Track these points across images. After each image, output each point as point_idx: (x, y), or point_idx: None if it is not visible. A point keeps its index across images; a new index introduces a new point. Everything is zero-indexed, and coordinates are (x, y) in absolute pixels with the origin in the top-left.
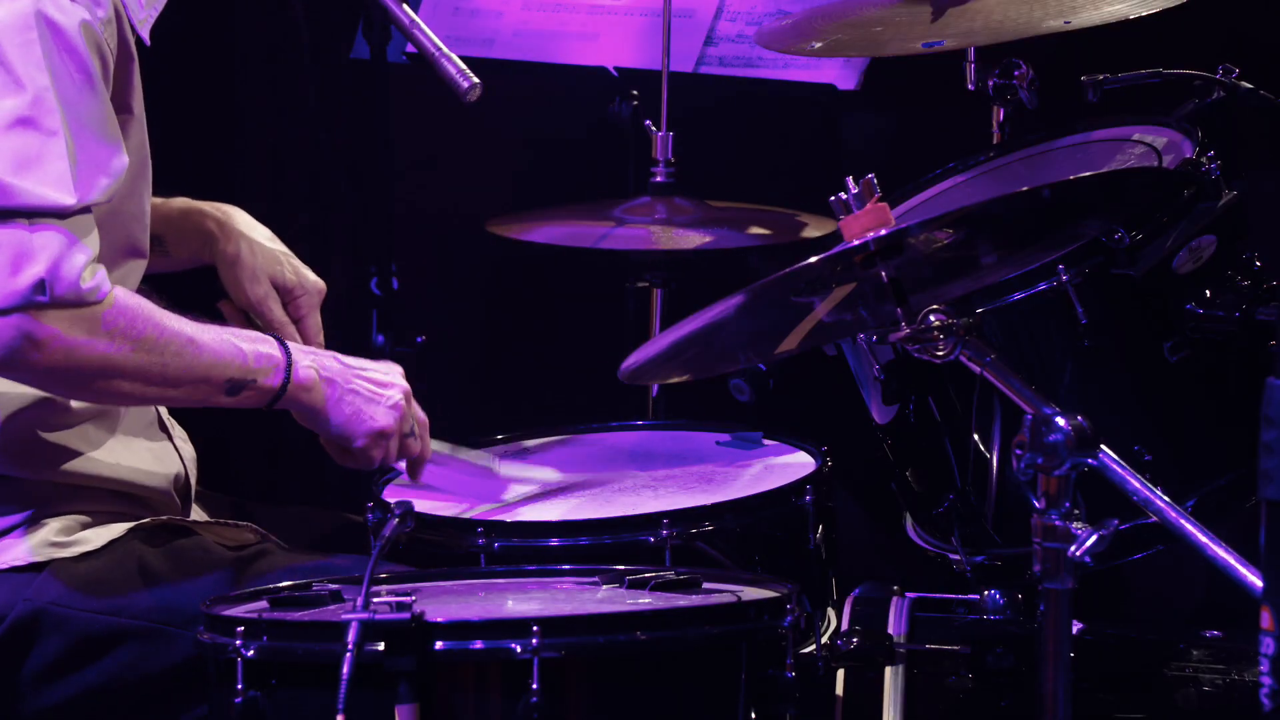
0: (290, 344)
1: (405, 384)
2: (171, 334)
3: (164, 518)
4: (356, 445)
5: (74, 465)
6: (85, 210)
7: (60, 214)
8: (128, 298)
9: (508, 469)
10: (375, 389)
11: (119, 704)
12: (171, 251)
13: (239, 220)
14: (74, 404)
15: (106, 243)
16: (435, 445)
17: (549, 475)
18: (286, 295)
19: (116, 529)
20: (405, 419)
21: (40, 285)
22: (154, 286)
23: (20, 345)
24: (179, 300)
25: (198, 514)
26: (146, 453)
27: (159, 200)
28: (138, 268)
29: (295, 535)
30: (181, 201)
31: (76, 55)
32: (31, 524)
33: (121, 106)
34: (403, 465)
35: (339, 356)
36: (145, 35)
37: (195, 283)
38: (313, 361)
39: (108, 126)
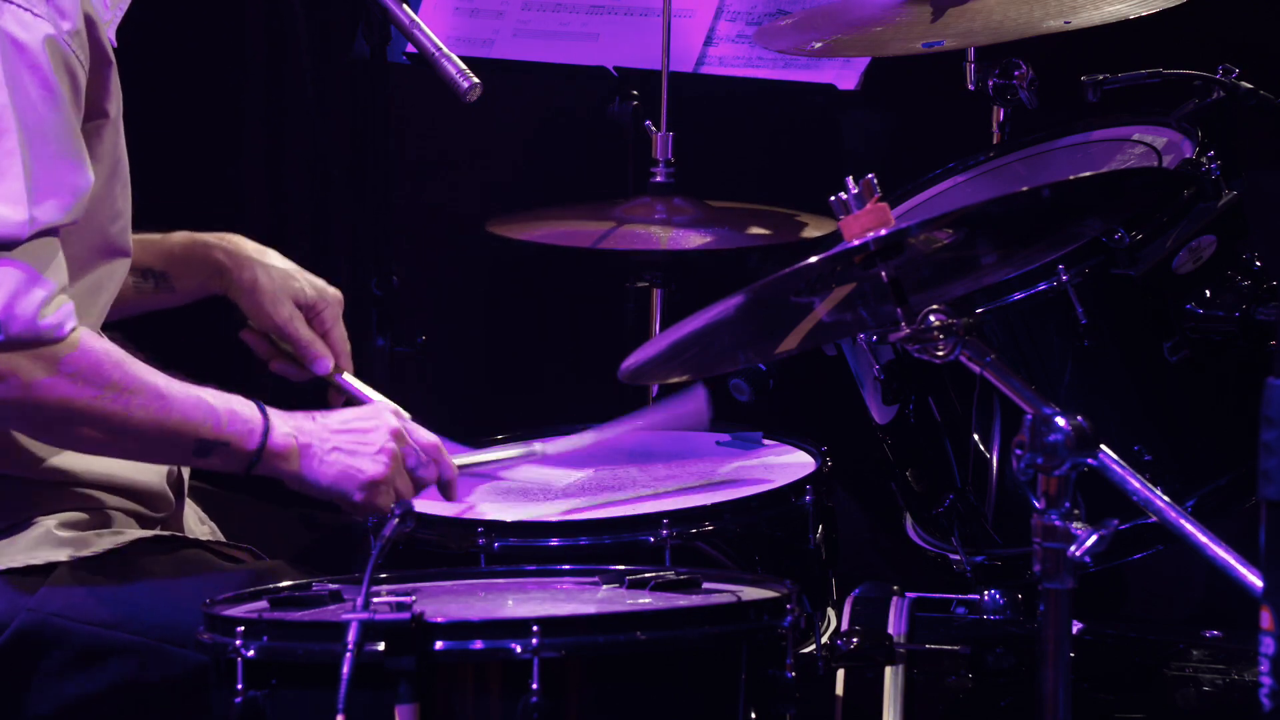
0: (271, 410)
1: (394, 422)
2: (139, 384)
3: (166, 533)
4: (356, 499)
5: (66, 463)
6: (46, 234)
7: (12, 243)
8: (94, 341)
9: (552, 448)
10: (357, 441)
11: (117, 718)
12: (177, 287)
13: (248, 247)
14: None
15: (76, 247)
16: (463, 459)
17: (588, 440)
18: (309, 311)
19: (117, 537)
20: (399, 458)
21: None
22: (164, 318)
23: None
24: (193, 334)
25: (193, 511)
26: None
27: (158, 236)
28: (120, 267)
29: (291, 537)
30: (182, 235)
31: (39, 72)
32: (26, 524)
33: (96, 112)
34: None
35: (318, 415)
36: (111, 37)
37: (204, 315)
38: (292, 428)
39: (71, 144)
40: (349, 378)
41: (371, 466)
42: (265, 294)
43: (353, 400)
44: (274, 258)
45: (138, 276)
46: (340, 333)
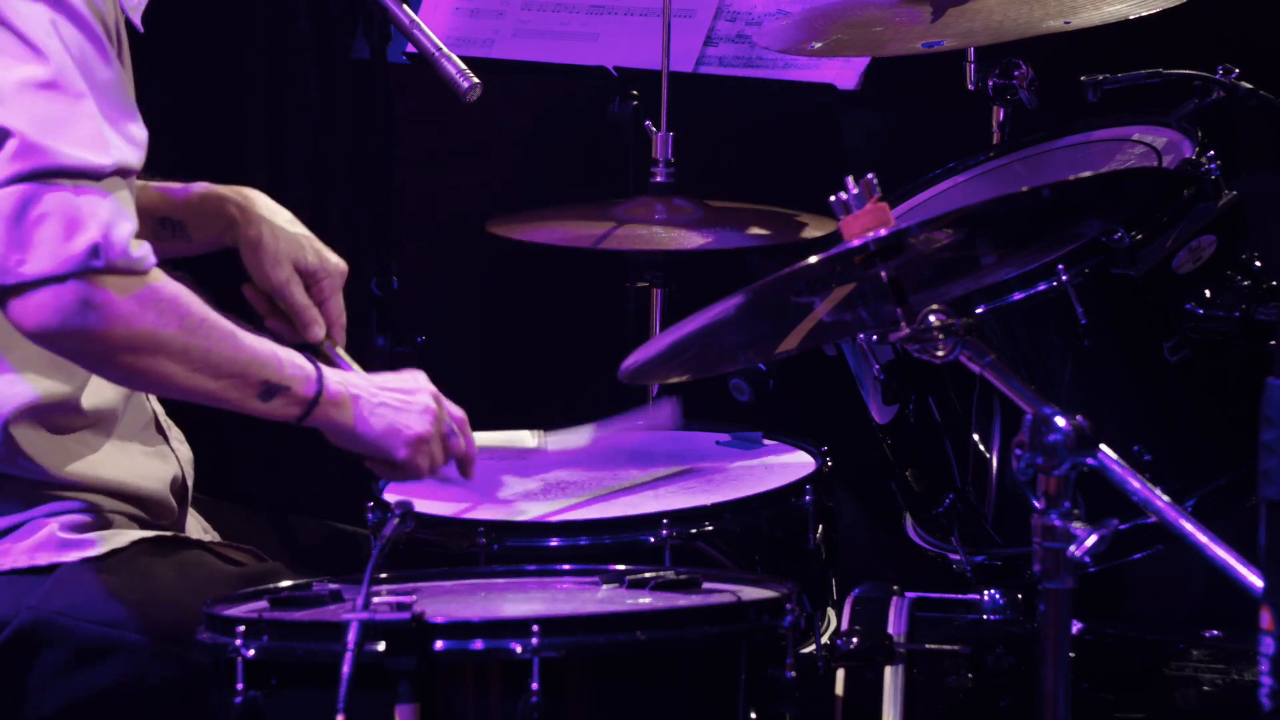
0: (317, 361)
1: (431, 386)
2: (214, 321)
3: (169, 534)
4: (400, 457)
5: (71, 468)
6: (120, 175)
7: (97, 175)
8: (168, 280)
9: (553, 441)
10: (403, 397)
11: (117, 718)
12: (192, 236)
13: (260, 204)
14: (73, 407)
15: None
16: (478, 438)
17: (587, 437)
18: (309, 278)
19: (120, 538)
20: (439, 421)
21: (95, 250)
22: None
23: (79, 310)
24: (201, 284)
25: (195, 519)
26: (142, 457)
27: (178, 185)
28: None
29: (293, 546)
30: (201, 186)
31: (86, 25)
32: (30, 526)
33: None
34: (453, 469)
35: (361, 372)
36: (137, 21)
37: (218, 268)
38: (341, 378)
39: (125, 96)
40: (340, 350)
41: (418, 423)
42: (267, 252)
43: None
44: (284, 218)
45: (156, 224)
46: (338, 304)
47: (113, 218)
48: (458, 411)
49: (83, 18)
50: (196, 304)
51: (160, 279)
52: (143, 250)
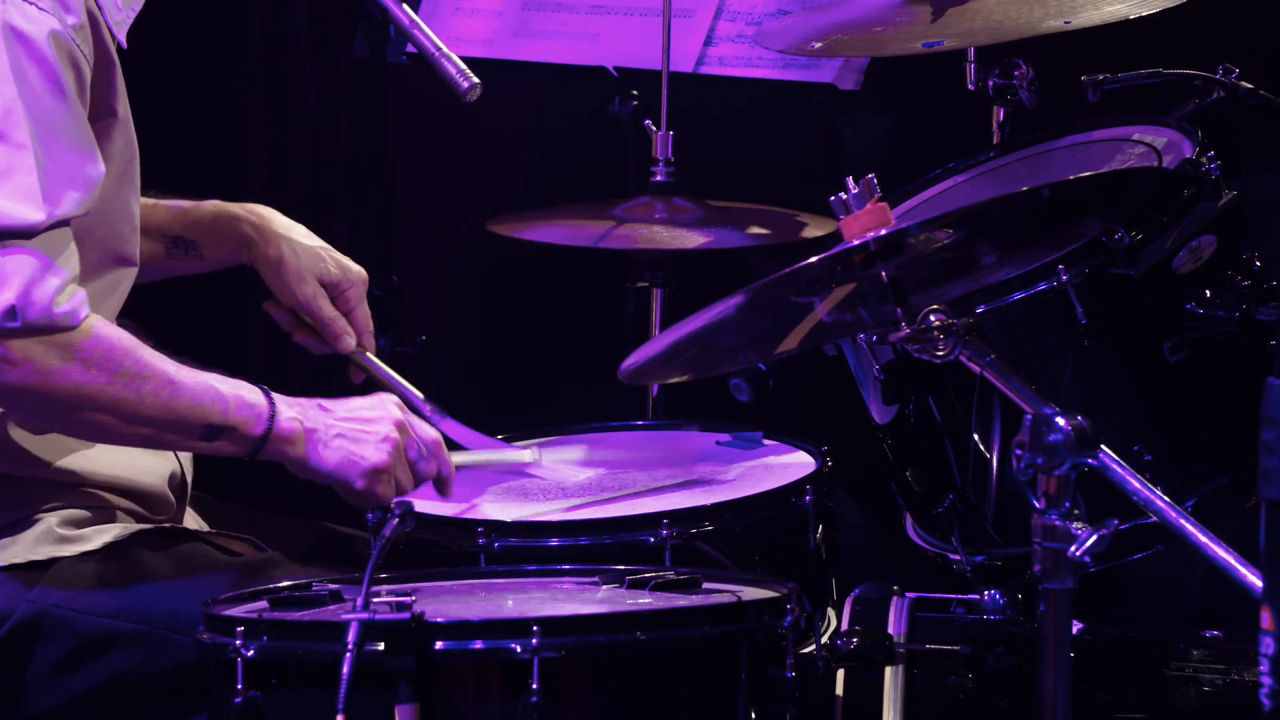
0: (276, 396)
1: (397, 414)
2: (150, 371)
3: (166, 524)
4: (358, 487)
5: (69, 464)
6: (59, 225)
7: (29, 232)
8: (107, 328)
9: (549, 457)
10: (360, 428)
11: (118, 708)
12: (206, 255)
13: (275, 222)
14: None
15: (91, 250)
16: (461, 458)
17: (582, 454)
18: (333, 290)
19: (116, 530)
20: (400, 450)
21: (11, 311)
22: (192, 285)
23: None
24: (219, 301)
25: (194, 518)
26: (140, 453)
27: (189, 204)
28: (127, 276)
29: (292, 545)
30: (213, 205)
31: (46, 65)
32: (28, 522)
33: (104, 110)
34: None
35: (324, 403)
36: (122, 38)
37: (233, 283)
38: (298, 413)
39: (81, 136)
40: (372, 356)
41: (374, 454)
42: (290, 270)
43: (373, 377)
44: (300, 233)
45: (168, 244)
46: (364, 311)
47: (36, 275)
48: (429, 435)
49: (43, 56)
50: (132, 355)
51: (89, 333)
52: (72, 304)
